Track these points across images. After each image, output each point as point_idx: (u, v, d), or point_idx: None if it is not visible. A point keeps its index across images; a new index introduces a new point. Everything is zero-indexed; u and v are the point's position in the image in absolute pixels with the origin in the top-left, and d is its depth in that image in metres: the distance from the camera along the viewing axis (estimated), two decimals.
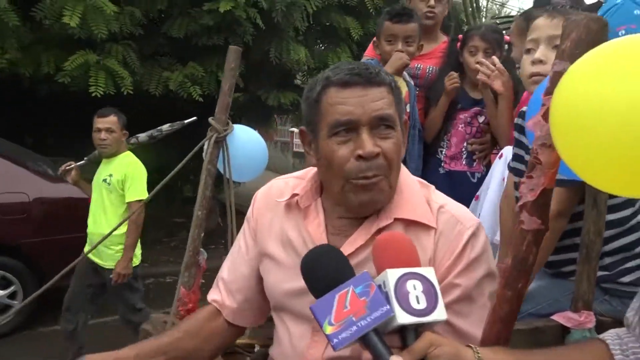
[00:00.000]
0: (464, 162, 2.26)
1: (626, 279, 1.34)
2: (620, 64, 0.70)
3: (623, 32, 1.83)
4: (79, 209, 3.83)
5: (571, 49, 0.88)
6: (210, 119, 2.06)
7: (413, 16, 2.29)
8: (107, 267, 3.29)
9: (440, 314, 0.83)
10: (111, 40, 4.86)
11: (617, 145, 0.67)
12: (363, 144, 0.98)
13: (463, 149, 2.25)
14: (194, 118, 3.44)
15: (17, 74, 4.88)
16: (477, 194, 2.08)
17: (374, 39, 2.39)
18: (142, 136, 3.38)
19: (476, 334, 0.96)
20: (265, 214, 1.18)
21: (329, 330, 0.83)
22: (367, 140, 0.98)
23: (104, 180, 3.33)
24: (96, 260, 3.31)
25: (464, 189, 2.15)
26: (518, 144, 1.57)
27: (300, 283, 0.98)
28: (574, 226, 1.34)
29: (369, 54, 2.49)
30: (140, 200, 3.25)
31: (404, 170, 1.09)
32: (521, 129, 1.57)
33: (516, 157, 1.56)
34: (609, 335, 0.85)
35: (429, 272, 0.86)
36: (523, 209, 0.89)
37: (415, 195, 1.07)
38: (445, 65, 2.39)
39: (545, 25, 1.42)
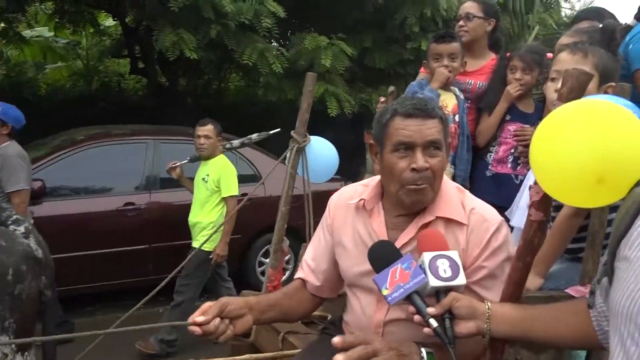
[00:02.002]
0: (509, 166, 2.59)
1: None
2: (571, 128, 1.10)
3: None
4: None
5: (566, 94, 1.26)
6: (292, 132, 2.52)
7: (455, 37, 2.67)
8: (194, 247, 3.93)
9: (461, 280, 1.25)
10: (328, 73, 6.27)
11: (566, 182, 1.10)
12: (417, 160, 1.37)
13: (509, 155, 2.59)
14: (278, 129, 4.02)
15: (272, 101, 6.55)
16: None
17: (424, 62, 2.77)
18: (236, 142, 4.04)
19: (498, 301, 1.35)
20: (340, 213, 1.59)
21: (385, 292, 1.27)
22: (420, 158, 1.37)
23: (203, 179, 4.03)
24: (192, 243, 4.02)
25: (508, 189, 2.47)
26: None
27: (366, 266, 1.43)
28: (587, 222, 1.68)
29: (422, 72, 2.87)
30: (233, 196, 3.95)
31: (445, 178, 1.48)
32: None
33: None
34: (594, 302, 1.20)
35: (453, 253, 1.29)
36: (532, 206, 1.28)
37: (453, 198, 1.45)
38: (493, 80, 2.73)
39: (567, 60, 1.73)
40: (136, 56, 8.32)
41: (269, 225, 2.38)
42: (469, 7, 2.89)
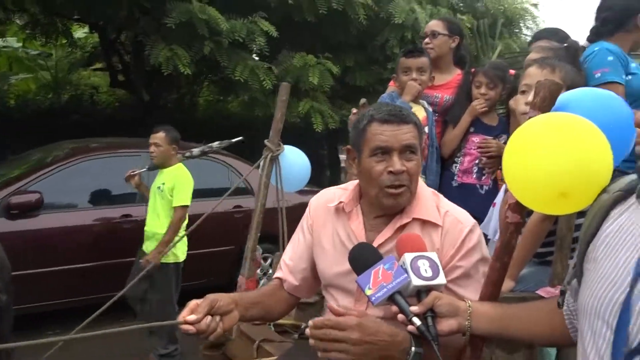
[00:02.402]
0: (474, 176, 2.69)
1: None
2: (539, 140, 1.17)
3: (599, 74, 2.25)
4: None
5: (540, 103, 1.33)
6: (265, 141, 2.54)
7: (424, 52, 2.79)
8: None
9: (441, 279, 1.30)
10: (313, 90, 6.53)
11: (533, 193, 1.18)
12: (394, 164, 1.43)
13: (474, 166, 2.69)
14: (241, 138, 4.05)
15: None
16: (495, 201, 2.51)
17: (393, 74, 2.86)
18: (195, 151, 4.00)
19: (474, 299, 1.40)
20: (320, 215, 1.62)
21: (369, 292, 1.29)
22: (397, 161, 1.43)
23: (158, 187, 3.91)
24: (147, 252, 3.88)
25: (474, 199, 2.57)
26: None
27: (344, 267, 1.47)
28: (555, 227, 1.77)
29: (392, 86, 2.96)
30: (183, 206, 3.82)
31: (420, 182, 1.54)
32: None
33: None
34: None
35: (433, 254, 1.34)
36: (508, 208, 1.34)
37: (428, 201, 1.51)
38: (459, 95, 2.84)
39: (536, 74, 1.81)
40: (114, 69, 8.35)
41: (262, 235, 2.37)
42: (434, 25, 3.03)
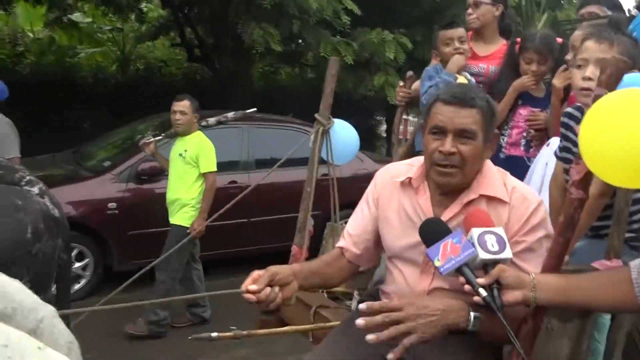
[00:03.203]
0: (522, 149, 2.71)
1: None
2: (621, 116, 1.20)
3: None
4: None
5: (607, 80, 1.36)
6: (316, 115, 2.60)
7: (460, 23, 2.82)
8: (174, 224, 4.03)
9: (507, 253, 1.37)
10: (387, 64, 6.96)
11: (619, 166, 1.21)
12: (445, 144, 1.49)
13: (522, 138, 2.71)
14: (254, 109, 4.17)
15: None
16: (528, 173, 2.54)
17: (433, 51, 2.86)
18: (212, 120, 4.21)
19: (536, 273, 1.46)
20: (386, 189, 1.69)
21: (437, 264, 1.37)
22: (448, 142, 1.48)
23: (180, 154, 4.04)
24: (170, 219, 4.05)
25: (521, 171, 2.58)
26: (565, 138, 2.02)
27: (412, 239, 1.54)
28: (610, 202, 1.80)
29: (434, 60, 2.96)
30: (212, 172, 3.98)
31: (488, 162, 1.58)
32: (567, 126, 2.02)
33: (564, 149, 2.01)
34: (633, 262, 1.31)
35: (499, 230, 1.40)
36: (572, 185, 1.38)
37: (495, 178, 1.56)
38: (505, 67, 2.83)
39: (593, 48, 1.81)
40: (189, 44, 8.84)
41: (346, 202, 2.53)
42: None
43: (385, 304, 1.38)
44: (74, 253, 4.50)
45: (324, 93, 2.56)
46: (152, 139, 4.20)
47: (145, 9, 8.93)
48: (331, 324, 1.98)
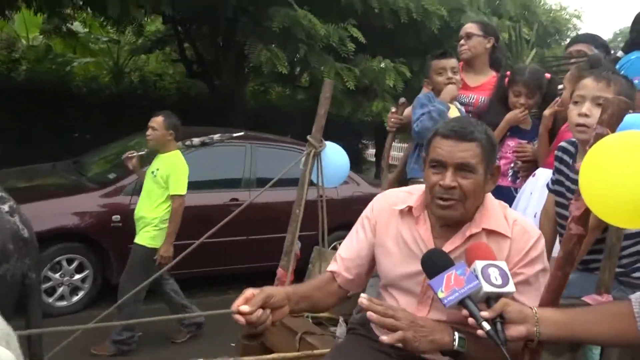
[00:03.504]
0: (509, 179, 2.75)
1: (637, 274, 1.84)
2: (622, 158, 1.22)
3: (637, 81, 2.29)
4: None
5: (608, 120, 1.38)
6: (308, 137, 2.58)
7: (452, 54, 2.85)
8: (136, 242, 3.90)
9: (510, 287, 1.36)
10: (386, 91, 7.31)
11: (614, 202, 1.23)
12: (445, 178, 1.49)
13: (509, 169, 2.74)
14: (242, 133, 4.13)
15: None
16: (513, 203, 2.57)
17: (425, 80, 2.90)
18: (196, 140, 4.10)
19: (532, 306, 1.46)
20: (384, 215, 1.67)
21: (441, 295, 1.36)
22: (448, 176, 1.49)
23: (152, 172, 3.94)
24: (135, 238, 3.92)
25: (508, 201, 2.61)
26: (558, 171, 2.05)
27: (410, 269, 1.54)
28: (602, 236, 1.83)
29: (425, 89, 2.98)
30: (180, 195, 3.86)
31: (489, 195, 1.58)
32: (561, 160, 2.06)
33: (556, 182, 2.05)
34: (634, 295, 1.31)
35: (502, 264, 1.40)
36: (572, 220, 1.39)
37: (496, 212, 1.56)
38: (494, 98, 2.88)
39: (591, 86, 1.85)
40: (187, 59, 9.02)
41: (340, 224, 2.49)
42: (469, 27, 3.07)
43: (387, 306, 1.44)
44: (74, 264, 4.53)
45: (317, 115, 2.56)
46: (135, 154, 4.09)
47: (144, 23, 9.02)
48: (319, 351, 1.93)
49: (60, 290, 4.48)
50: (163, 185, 3.89)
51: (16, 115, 7.73)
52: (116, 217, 4.63)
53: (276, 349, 2.25)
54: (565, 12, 10.44)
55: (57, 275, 4.47)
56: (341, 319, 2.35)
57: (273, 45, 6.29)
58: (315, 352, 1.96)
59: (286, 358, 1.96)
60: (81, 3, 6.91)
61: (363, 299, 1.41)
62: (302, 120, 7.49)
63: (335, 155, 2.62)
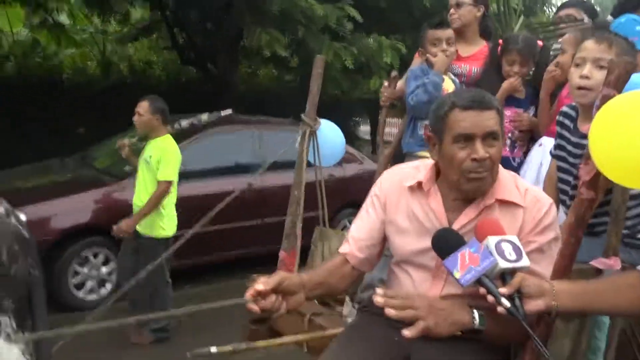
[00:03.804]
0: (507, 149, 2.73)
1: None
2: (632, 119, 1.21)
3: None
4: None
5: (615, 81, 1.36)
6: (302, 115, 2.54)
7: (449, 24, 2.80)
8: (141, 233, 3.83)
9: (525, 261, 1.35)
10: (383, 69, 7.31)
11: (625, 169, 1.23)
12: (477, 150, 1.45)
13: (507, 139, 2.73)
14: (229, 110, 4.08)
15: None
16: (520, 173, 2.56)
17: (419, 49, 2.85)
18: (184, 122, 4.04)
19: (545, 274, 1.46)
20: (393, 192, 1.64)
21: (457, 275, 1.34)
22: (480, 148, 1.45)
23: (145, 159, 3.87)
24: (137, 227, 3.84)
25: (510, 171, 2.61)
26: (560, 136, 2.04)
27: (423, 244, 1.52)
28: (605, 199, 1.82)
29: (416, 62, 2.94)
30: (167, 181, 3.78)
31: (499, 166, 1.56)
32: (563, 125, 2.04)
33: (559, 147, 2.04)
34: None
35: (514, 238, 1.38)
36: (583, 185, 1.38)
37: (508, 182, 1.54)
38: (488, 67, 2.85)
39: (592, 48, 1.83)
40: (180, 46, 9.00)
41: (350, 200, 2.50)
42: None
43: (402, 297, 1.43)
44: (99, 258, 4.61)
45: (310, 92, 2.51)
46: (127, 142, 4.03)
47: (130, 10, 8.76)
48: (330, 332, 1.92)
49: (89, 283, 4.58)
50: (156, 170, 3.83)
51: (7, 112, 7.64)
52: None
53: (285, 333, 2.24)
54: None
55: (85, 269, 4.56)
56: (347, 298, 2.34)
57: (272, 29, 6.37)
58: (327, 332, 1.96)
59: (298, 340, 1.94)
60: None
61: (378, 296, 1.39)
62: (293, 100, 7.44)
63: (330, 133, 2.58)
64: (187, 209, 4.14)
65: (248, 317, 2.39)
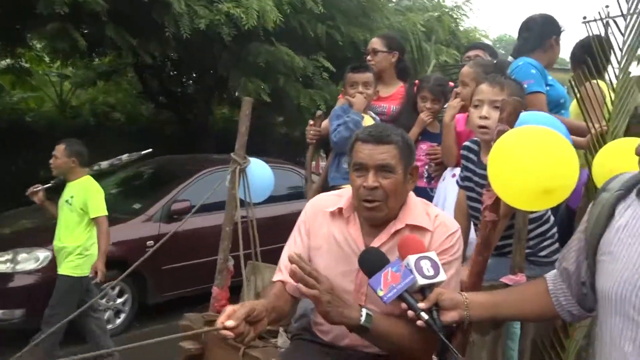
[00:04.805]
0: (425, 181, 2.95)
1: (543, 253, 2.07)
2: (522, 150, 1.41)
3: (525, 85, 2.57)
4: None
5: (507, 118, 1.57)
6: (232, 154, 2.62)
7: (368, 68, 3.02)
8: (61, 274, 3.88)
9: (442, 276, 1.49)
10: None
11: (520, 192, 1.42)
12: (367, 179, 1.60)
13: (424, 171, 2.94)
14: (150, 150, 4.21)
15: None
16: (434, 202, 2.77)
17: (342, 89, 3.06)
18: (104, 164, 4.19)
19: (453, 286, 1.59)
20: (317, 219, 1.75)
21: (380, 293, 1.46)
22: (370, 177, 1.60)
23: (67, 201, 3.93)
24: (58, 269, 3.90)
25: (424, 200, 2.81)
26: (466, 168, 2.26)
27: (343, 267, 1.64)
28: (510, 222, 2.03)
29: (340, 103, 3.14)
30: (104, 216, 3.89)
31: (412, 194, 1.71)
32: (467, 158, 2.26)
33: (466, 178, 2.25)
34: (549, 274, 1.45)
35: (432, 254, 1.52)
36: (486, 209, 1.56)
37: (418, 208, 1.69)
38: (405, 106, 3.10)
39: (488, 91, 2.07)
40: (150, 90, 9.54)
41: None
42: (374, 42, 3.28)
43: (314, 268, 1.53)
44: (115, 291, 4.93)
45: (239, 132, 2.59)
46: (40, 187, 4.00)
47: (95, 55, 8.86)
48: None
49: (106, 314, 4.85)
50: (80, 212, 3.88)
51: None
52: (150, 243, 4.97)
53: None
54: (477, 33, 11.67)
55: (104, 301, 4.83)
56: (281, 329, 2.39)
57: (255, 78, 7.01)
58: None
59: None
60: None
61: (293, 253, 1.48)
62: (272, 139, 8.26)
63: (259, 171, 2.67)
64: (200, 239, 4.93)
65: (182, 354, 2.37)
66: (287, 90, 7.35)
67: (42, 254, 4.51)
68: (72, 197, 3.89)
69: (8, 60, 7.93)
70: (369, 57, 3.22)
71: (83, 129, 8.95)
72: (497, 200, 1.54)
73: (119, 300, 5.02)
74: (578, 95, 2.28)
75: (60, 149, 3.93)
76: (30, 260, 4.50)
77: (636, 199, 1.18)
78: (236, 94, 7.13)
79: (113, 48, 6.78)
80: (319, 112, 3.06)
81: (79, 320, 3.84)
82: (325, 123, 3.06)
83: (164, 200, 5.41)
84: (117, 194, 5.95)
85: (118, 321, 4.99)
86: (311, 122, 3.11)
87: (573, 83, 2.42)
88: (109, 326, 4.70)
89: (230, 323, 1.38)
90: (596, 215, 1.23)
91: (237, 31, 6.13)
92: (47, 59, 9.13)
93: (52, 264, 4.24)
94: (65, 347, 4.08)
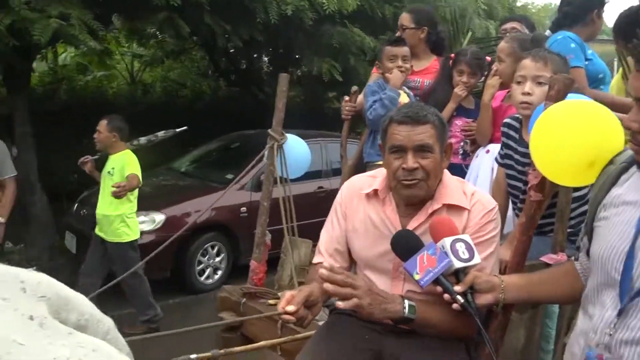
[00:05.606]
0: (460, 157, 2.92)
1: None
2: (564, 125, 1.39)
3: None
4: None
5: (556, 95, 1.54)
6: (269, 130, 2.63)
7: (406, 42, 2.97)
8: (109, 240, 4.14)
9: (477, 259, 1.49)
10: None
11: (565, 168, 1.40)
12: (407, 161, 1.59)
13: (459, 148, 2.92)
14: (185, 127, 4.34)
15: None
16: (465, 179, 2.75)
17: (377, 62, 3.02)
18: (143, 139, 4.42)
19: (490, 266, 1.59)
20: (352, 201, 1.76)
21: (417, 277, 1.47)
22: (410, 159, 1.59)
23: (108, 172, 4.20)
24: (102, 235, 4.17)
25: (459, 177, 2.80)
26: (506, 146, 2.23)
27: (380, 248, 1.64)
28: (551, 201, 2.01)
29: (375, 73, 3.12)
30: (136, 175, 4.11)
31: (447, 173, 1.70)
32: (508, 135, 2.23)
33: (506, 156, 2.22)
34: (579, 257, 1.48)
35: (466, 237, 1.52)
36: (531, 188, 1.54)
37: (455, 187, 1.68)
38: (440, 80, 3.05)
39: (531, 67, 2.03)
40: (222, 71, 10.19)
41: None
42: (403, 18, 3.22)
43: (346, 275, 1.52)
44: (215, 249, 5.58)
45: (276, 108, 2.61)
46: (89, 158, 4.32)
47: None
48: (302, 335, 2.01)
49: (207, 271, 5.52)
50: (120, 180, 4.11)
51: (62, 133, 7.99)
52: (243, 209, 5.68)
53: (257, 339, 2.31)
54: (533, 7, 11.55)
55: (205, 259, 5.50)
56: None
57: (329, 58, 7.32)
58: (298, 336, 2.04)
59: (273, 344, 2.02)
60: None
61: (323, 270, 1.48)
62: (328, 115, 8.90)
63: (296, 147, 2.68)
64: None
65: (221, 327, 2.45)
66: (357, 69, 7.62)
67: (158, 217, 5.14)
68: (113, 168, 4.17)
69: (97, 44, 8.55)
70: (397, 34, 3.16)
71: (154, 105, 9.63)
72: (543, 179, 1.53)
73: (217, 259, 5.60)
74: (626, 68, 2.22)
75: (102, 124, 4.18)
76: (147, 222, 4.99)
77: (637, 171, 1.22)
78: (314, 70, 7.41)
79: (207, 33, 7.16)
80: (354, 88, 3.03)
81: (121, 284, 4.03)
82: (360, 98, 3.04)
83: (253, 171, 5.55)
84: (210, 165, 6.64)
85: (216, 277, 5.59)
86: (346, 98, 3.10)
87: (621, 56, 2.34)
88: (209, 281, 5.48)
89: (291, 308, 1.43)
90: (599, 185, 1.28)
91: (317, 15, 6.49)
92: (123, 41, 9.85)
93: (166, 225, 5.07)
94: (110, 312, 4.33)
